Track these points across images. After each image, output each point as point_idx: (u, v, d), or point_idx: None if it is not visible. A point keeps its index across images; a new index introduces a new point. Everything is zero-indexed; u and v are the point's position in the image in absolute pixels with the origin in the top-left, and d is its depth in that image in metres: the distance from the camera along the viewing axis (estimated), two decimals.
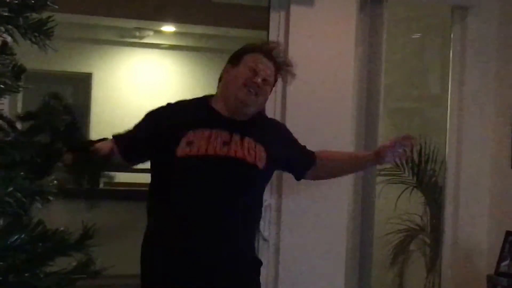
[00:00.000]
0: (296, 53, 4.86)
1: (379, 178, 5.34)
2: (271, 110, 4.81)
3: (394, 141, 3.94)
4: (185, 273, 3.59)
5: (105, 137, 3.47)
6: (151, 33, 9.27)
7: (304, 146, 4.09)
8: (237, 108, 3.68)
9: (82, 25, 8.69)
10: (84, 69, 9.45)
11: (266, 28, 5.00)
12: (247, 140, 3.67)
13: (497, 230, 5.10)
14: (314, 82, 4.89)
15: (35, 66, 8.94)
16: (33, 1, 1.50)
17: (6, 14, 1.46)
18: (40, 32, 1.48)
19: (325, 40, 4.93)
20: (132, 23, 8.89)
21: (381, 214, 5.19)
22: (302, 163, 4.05)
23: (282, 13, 4.96)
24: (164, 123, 3.66)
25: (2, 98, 1.51)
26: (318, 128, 4.83)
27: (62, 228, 1.58)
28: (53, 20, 1.53)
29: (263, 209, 4.75)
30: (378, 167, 5.13)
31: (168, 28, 9.06)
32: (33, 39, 1.49)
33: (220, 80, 3.81)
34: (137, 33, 9.27)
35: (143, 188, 3.96)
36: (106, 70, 9.53)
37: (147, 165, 3.77)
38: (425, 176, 5.55)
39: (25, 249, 1.53)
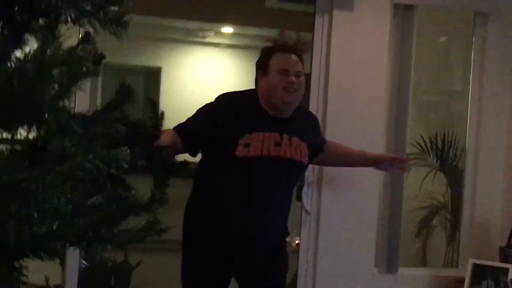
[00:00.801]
0: (337, 52, 4.90)
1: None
2: (314, 105, 4.82)
3: (394, 159, 4.06)
4: (234, 249, 3.70)
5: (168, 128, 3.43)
6: (212, 33, 9.26)
7: (322, 136, 4.10)
8: (284, 109, 3.63)
9: (153, 26, 8.71)
10: (155, 63, 9.47)
11: (312, 30, 5.00)
12: (294, 139, 3.66)
13: (509, 209, 5.07)
14: (353, 78, 4.88)
15: (111, 61, 9.01)
16: None
17: (89, 8, 1.48)
18: (118, 24, 1.50)
19: (362, 41, 4.92)
20: (196, 25, 8.88)
21: (408, 192, 5.17)
22: (318, 150, 3.97)
23: (326, 17, 4.94)
24: (220, 123, 3.60)
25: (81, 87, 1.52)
26: (356, 119, 4.84)
27: (133, 192, 1.60)
28: (129, 14, 1.54)
29: (306, 186, 4.82)
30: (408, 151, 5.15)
31: (227, 29, 9.04)
32: (112, 30, 1.51)
33: (256, 84, 3.71)
34: (200, 33, 9.27)
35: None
36: (173, 65, 9.54)
37: None
38: (448, 160, 5.52)
39: (102, 209, 1.54)
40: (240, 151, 3.55)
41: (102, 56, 1.57)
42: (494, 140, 5.22)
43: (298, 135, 3.68)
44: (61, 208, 1.41)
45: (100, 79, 8.91)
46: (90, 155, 1.42)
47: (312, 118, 4.07)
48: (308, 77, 4.89)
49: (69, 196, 1.44)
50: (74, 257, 4.63)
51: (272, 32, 8.75)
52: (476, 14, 5.29)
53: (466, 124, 5.32)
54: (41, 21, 1.52)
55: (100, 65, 1.56)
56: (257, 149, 3.57)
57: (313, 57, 4.95)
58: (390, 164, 4.10)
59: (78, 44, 1.56)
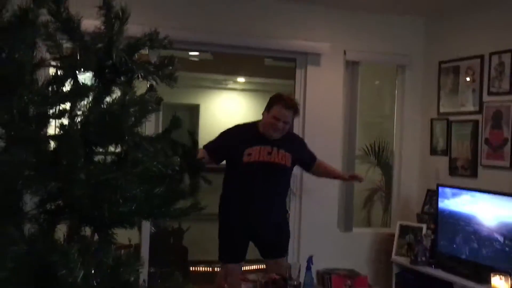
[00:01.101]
0: (310, 92, 4.90)
1: (356, 160, 5.30)
2: (296, 127, 4.81)
3: (356, 176, 4.12)
4: (248, 222, 3.80)
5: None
6: (231, 82, 9.26)
7: (312, 154, 4.06)
8: (270, 137, 3.73)
9: (194, 78, 8.71)
10: (195, 102, 9.47)
11: (294, 78, 5.00)
12: (281, 151, 3.75)
13: (422, 188, 5.05)
14: (321, 109, 4.90)
15: (167, 101, 8.98)
16: (166, 62, 1.51)
17: (152, 69, 1.48)
18: (171, 79, 1.50)
19: (326, 85, 4.94)
20: (220, 77, 8.89)
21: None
22: (308, 163, 4.06)
23: (303, 70, 4.95)
24: (233, 141, 3.77)
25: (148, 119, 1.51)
26: (323, 134, 4.84)
27: (182, 185, 1.59)
28: (177, 72, 1.54)
29: (292, 179, 4.78)
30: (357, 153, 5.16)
31: (241, 79, 9.05)
32: (167, 83, 1.51)
33: (263, 112, 3.78)
34: (223, 82, 9.27)
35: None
36: (207, 103, 9.54)
37: None
38: (382, 159, 5.51)
39: (163, 196, 1.53)
40: (245, 158, 3.68)
41: (161, 99, 1.57)
42: (410, 146, 5.23)
43: (284, 148, 3.77)
44: (137, 195, 1.41)
45: (160, 113, 8.94)
46: (154, 162, 1.42)
47: (299, 140, 4.15)
48: None
49: (142, 188, 1.44)
50: (146, 225, 4.62)
51: (269, 80, 8.77)
52: (398, 67, 5.29)
53: (393, 135, 5.32)
54: (122, 78, 1.52)
55: (159, 105, 1.55)
56: (255, 157, 3.69)
57: (295, 95, 4.96)
58: (351, 178, 4.17)
59: (146, 92, 1.55)
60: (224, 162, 3.90)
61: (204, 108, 9.41)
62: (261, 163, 3.71)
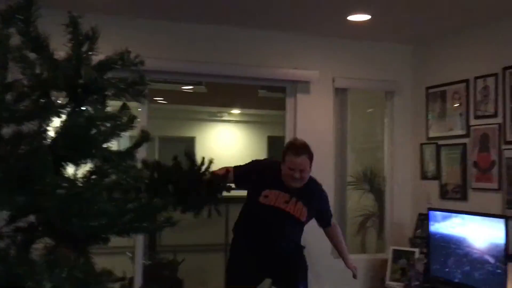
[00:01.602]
0: (301, 120, 4.94)
1: (348, 187, 5.31)
2: None
3: (353, 267, 3.89)
4: (256, 262, 3.64)
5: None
6: (226, 114, 9.34)
7: (330, 213, 3.91)
8: (289, 186, 3.59)
9: (189, 111, 8.80)
10: (191, 134, 9.52)
11: (284, 107, 5.04)
12: (299, 203, 3.60)
13: (414, 213, 5.05)
14: (311, 134, 4.88)
15: (165, 133, 9.03)
16: (137, 80, 1.54)
17: (123, 87, 1.51)
18: (141, 96, 1.53)
19: (316, 112, 4.98)
20: (215, 109, 8.98)
21: (352, 206, 5.16)
22: (323, 221, 3.89)
23: (292, 99, 5.00)
24: (259, 173, 3.68)
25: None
26: (315, 161, 4.83)
27: (156, 200, 1.60)
28: (146, 89, 1.57)
29: None
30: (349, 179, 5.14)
31: (235, 111, 9.13)
32: (137, 100, 1.54)
33: (281, 163, 3.62)
34: (218, 114, 9.35)
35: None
36: (203, 135, 9.59)
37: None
38: (374, 184, 5.50)
39: (137, 210, 1.53)
40: (262, 199, 3.58)
41: (134, 117, 1.58)
42: (402, 171, 5.24)
43: (303, 201, 3.62)
44: (108, 209, 1.42)
45: (156, 146, 9.01)
46: (124, 175, 1.43)
47: (320, 192, 3.82)
48: (281, 137, 4.94)
49: (113, 203, 1.45)
50: (139, 257, 4.60)
51: (262, 112, 8.81)
52: (386, 93, 5.34)
53: (384, 161, 5.33)
54: (95, 96, 1.55)
55: (133, 122, 1.56)
56: (272, 201, 3.57)
57: (286, 124, 5.00)
58: (351, 268, 3.93)
59: (119, 110, 1.58)
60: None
61: (199, 140, 9.46)
62: (275, 209, 3.57)
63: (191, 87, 6.83)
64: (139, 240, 4.55)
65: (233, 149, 8.96)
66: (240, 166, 3.71)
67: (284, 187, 3.58)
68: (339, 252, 3.97)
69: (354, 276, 3.90)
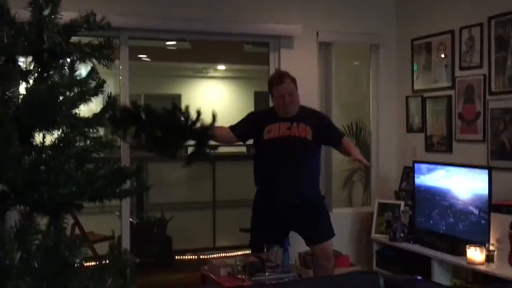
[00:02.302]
0: None
1: None
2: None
3: (359, 159, 3.84)
4: (276, 197, 3.78)
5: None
6: (211, 70, 9.28)
7: (335, 134, 3.96)
8: (286, 114, 3.80)
9: (175, 68, 8.72)
10: (177, 91, 9.45)
11: (268, 63, 5.00)
12: (301, 124, 3.78)
13: (400, 166, 5.08)
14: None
15: (150, 91, 8.98)
16: (103, 43, 1.51)
17: (89, 51, 1.48)
18: (108, 60, 1.50)
19: (300, 67, 4.87)
20: (200, 65, 8.90)
21: (338, 160, 5.14)
22: (336, 138, 3.94)
23: (276, 54, 4.94)
24: (256, 119, 3.93)
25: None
26: None
27: (125, 165, 1.59)
28: (112, 52, 1.54)
29: None
30: None
31: (221, 67, 9.06)
32: (104, 64, 1.51)
33: (271, 100, 3.99)
34: (204, 71, 9.28)
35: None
36: (189, 92, 9.53)
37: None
38: (360, 139, 5.49)
39: (107, 177, 1.53)
40: (265, 136, 3.78)
41: (104, 81, 1.56)
42: (388, 124, 5.25)
43: (304, 122, 3.78)
44: (77, 177, 1.41)
45: (143, 103, 8.92)
46: (91, 142, 1.42)
47: (320, 115, 4.09)
48: (267, 93, 4.92)
49: (82, 170, 1.44)
50: (126, 216, 4.62)
51: (247, 67, 8.76)
52: (371, 46, 5.28)
53: (369, 115, 5.33)
54: (61, 61, 1.52)
55: (102, 87, 1.54)
56: (275, 133, 3.77)
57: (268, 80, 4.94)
58: (357, 161, 3.92)
59: (87, 75, 1.55)
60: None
61: (185, 97, 9.40)
62: (281, 138, 3.75)
63: (174, 43, 6.75)
64: (125, 200, 4.55)
65: (220, 106, 8.89)
66: (236, 123, 3.94)
67: (283, 118, 3.79)
68: (347, 153, 3.94)
69: (365, 164, 3.96)
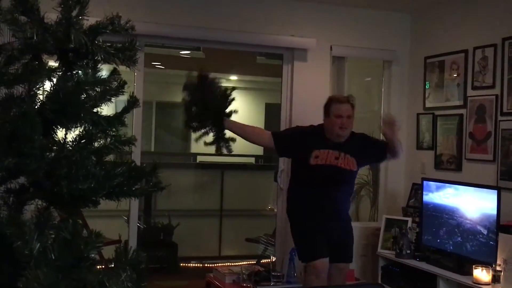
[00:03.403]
0: (297, 88, 4.94)
1: None
2: (284, 121, 4.88)
3: (386, 122, 4.00)
4: (320, 222, 3.78)
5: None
6: (224, 80, 9.31)
7: (378, 141, 4.11)
8: (339, 137, 3.78)
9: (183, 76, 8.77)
10: None
11: (281, 75, 5.04)
12: (347, 156, 3.78)
13: (408, 183, 5.09)
14: (308, 102, 4.90)
15: (162, 99, 8.97)
16: (127, 45, 1.55)
17: (113, 51, 1.52)
18: (131, 61, 1.55)
19: (313, 80, 4.96)
20: (214, 75, 8.92)
21: None
22: (379, 156, 4.05)
23: (289, 66, 4.99)
24: (302, 138, 3.87)
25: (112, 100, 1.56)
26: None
27: (144, 164, 1.63)
28: (137, 54, 1.59)
29: (279, 172, 4.80)
30: None
31: (233, 77, 9.10)
32: (127, 65, 1.56)
33: (324, 120, 3.85)
34: (217, 80, 9.31)
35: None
36: None
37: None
38: None
39: (125, 175, 1.57)
40: (312, 160, 3.76)
41: (125, 82, 1.61)
42: None
43: (350, 153, 3.79)
44: (96, 173, 1.45)
45: (153, 112, 8.99)
46: (111, 139, 1.46)
47: (362, 137, 4.04)
48: (279, 105, 4.97)
49: (101, 166, 1.48)
50: (134, 220, 4.66)
51: (260, 78, 8.81)
52: (384, 62, 5.32)
53: (380, 131, 5.33)
54: (85, 60, 1.57)
55: (123, 88, 1.59)
56: (323, 160, 3.76)
57: (282, 91, 5.00)
58: (387, 130, 3.94)
59: (109, 75, 1.60)
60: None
61: None
62: (328, 167, 3.75)
63: (188, 52, 6.82)
64: (134, 204, 4.60)
65: (231, 116, 8.93)
66: (280, 131, 4.04)
67: (331, 145, 3.77)
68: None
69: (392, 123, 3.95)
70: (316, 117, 4.88)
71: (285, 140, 3.90)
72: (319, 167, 3.74)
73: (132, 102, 1.59)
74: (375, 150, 4.00)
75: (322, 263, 3.71)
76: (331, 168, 3.74)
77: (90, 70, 1.53)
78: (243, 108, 9.75)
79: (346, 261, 3.93)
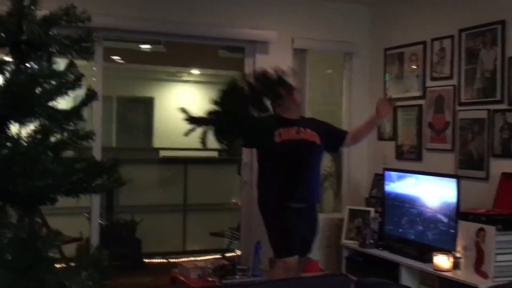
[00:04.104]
0: None
1: None
2: None
3: (381, 101, 4.01)
4: (288, 198, 3.72)
5: None
6: (185, 74, 9.24)
7: (337, 130, 4.15)
8: (295, 113, 3.85)
9: (148, 71, 8.67)
10: (150, 95, 9.39)
11: (242, 68, 5.00)
12: (307, 130, 3.81)
13: (371, 173, 5.13)
14: None
15: (123, 93, 8.90)
16: (83, 36, 1.50)
17: (68, 43, 1.47)
18: (88, 53, 1.49)
19: None
20: (174, 69, 8.86)
21: None
22: (335, 144, 4.09)
23: (251, 59, 4.95)
24: (262, 124, 3.70)
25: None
26: None
27: (104, 160, 1.58)
28: (94, 46, 1.53)
29: (243, 165, 4.77)
30: None
31: (195, 71, 9.02)
32: (84, 57, 1.50)
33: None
34: (178, 74, 9.22)
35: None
36: (162, 96, 9.47)
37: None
38: None
39: (84, 171, 1.52)
40: (276, 139, 3.74)
41: (82, 75, 1.54)
42: None
43: (309, 127, 3.84)
44: (53, 169, 1.40)
45: (114, 105, 8.87)
46: (69, 134, 1.41)
47: (321, 122, 4.09)
48: None
49: (59, 162, 1.43)
50: (96, 217, 4.57)
51: (221, 72, 8.77)
52: (345, 54, 5.34)
53: (342, 121, 5.37)
54: (39, 53, 1.50)
55: (80, 81, 1.53)
56: (285, 136, 3.76)
57: None
58: (383, 107, 4.00)
59: (66, 68, 1.54)
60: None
61: (158, 101, 9.35)
62: (292, 141, 3.75)
63: (149, 46, 6.71)
64: (96, 200, 4.50)
65: (193, 110, 8.86)
66: None
67: (289, 123, 3.79)
68: (368, 123, 4.13)
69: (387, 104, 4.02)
70: None
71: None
72: (284, 143, 3.72)
73: (90, 96, 1.53)
74: (335, 135, 4.04)
75: (295, 260, 3.67)
76: (296, 142, 3.74)
77: (44, 63, 1.46)
78: (205, 102, 9.73)
79: (308, 255, 3.89)
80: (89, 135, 1.47)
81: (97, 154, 4.37)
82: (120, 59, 7.64)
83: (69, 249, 1.72)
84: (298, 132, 3.79)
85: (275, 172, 3.78)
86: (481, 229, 3.64)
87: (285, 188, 3.74)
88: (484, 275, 3.60)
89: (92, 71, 4.41)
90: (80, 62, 1.62)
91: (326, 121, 4.16)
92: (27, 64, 1.45)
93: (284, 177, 3.75)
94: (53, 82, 1.46)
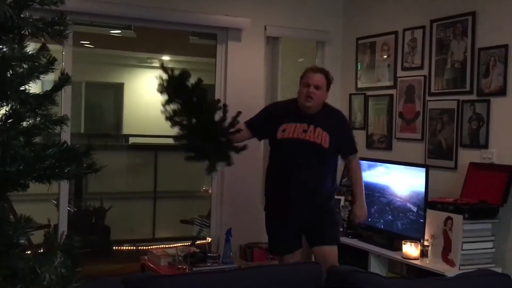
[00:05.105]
0: (231, 69, 4.89)
1: None
2: (219, 96, 4.78)
3: (357, 216, 3.83)
4: (285, 197, 3.61)
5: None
6: (156, 60, 9.15)
7: (353, 144, 3.79)
8: (306, 109, 3.58)
9: (119, 56, 8.56)
10: (119, 80, 9.29)
11: (215, 55, 4.98)
12: (318, 129, 3.54)
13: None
14: (242, 84, 4.89)
15: (92, 79, 8.80)
16: (57, 19, 1.47)
17: (42, 26, 1.44)
18: (61, 36, 1.46)
19: (247, 60, 4.93)
20: (145, 55, 8.78)
21: None
22: (345, 151, 3.74)
23: (224, 46, 4.93)
24: (272, 116, 3.69)
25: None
26: (245, 110, 4.81)
27: (77, 145, 1.56)
28: (67, 29, 1.50)
29: None
30: None
31: (166, 57, 8.95)
32: (57, 41, 1.47)
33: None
34: (148, 60, 9.14)
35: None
36: (132, 82, 9.39)
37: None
38: None
39: (56, 156, 1.50)
40: (279, 134, 3.57)
41: (54, 59, 1.52)
42: None
43: (322, 127, 3.55)
44: (25, 154, 1.37)
45: (83, 92, 8.76)
46: (41, 118, 1.39)
47: (342, 119, 3.83)
48: (213, 85, 4.90)
49: (31, 147, 1.41)
50: (64, 204, 4.51)
51: (193, 59, 8.71)
52: (317, 43, 5.35)
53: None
54: (11, 35, 1.47)
55: (53, 64, 1.50)
56: (289, 133, 3.55)
57: (216, 73, 4.94)
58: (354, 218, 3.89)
59: (38, 51, 1.51)
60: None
61: (128, 87, 9.25)
62: (294, 140, 3.53)
63: (119, 31, 6.63)
64: (64, 187, 4.45)
65: (163, 97, 8.82)
66: (253, 117, 3.73)
67: (302, 117, 3.56)
68: (354, 188, 3.86)
69: (355, 223, 3.98)
70: (250, 97, 4.88)
71: (258, 123, 3.69)
72: (285, 141, 3.55)
73: (64, 80, 1.50)
74: (340, 145, 3.68)
75: (289, 257, 3.61)
76: (297, 142, 3.52)
77: (16, 46, 1.43)
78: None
79: (323, 244, 3.63)
80: (62, 120, 1.45)
81: (66, 140, 4.30)
82: (89, 44, 7.54)
83: (37, 237, 1.70)
84: (306, 131, 3.54)
85: (274, 166, 3.70)
86: (449, 218, 3.72)
87: (278, 184, 3.63)
88: (451, 263, 3.68)
89: (61, 56, 4.34)
90: (49, 46, 1.60)
91: (349, 125, 3.98)
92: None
93: (279, 173, 3.63)
94: (25, 66, 1.43)
